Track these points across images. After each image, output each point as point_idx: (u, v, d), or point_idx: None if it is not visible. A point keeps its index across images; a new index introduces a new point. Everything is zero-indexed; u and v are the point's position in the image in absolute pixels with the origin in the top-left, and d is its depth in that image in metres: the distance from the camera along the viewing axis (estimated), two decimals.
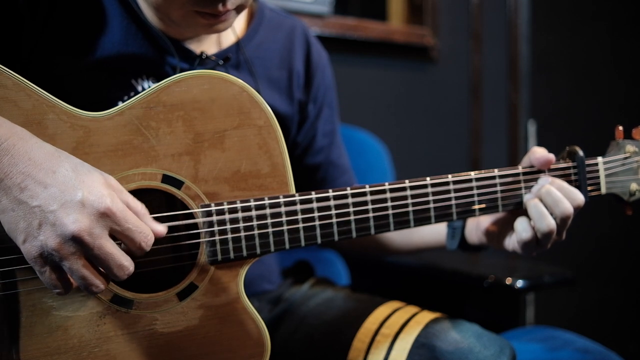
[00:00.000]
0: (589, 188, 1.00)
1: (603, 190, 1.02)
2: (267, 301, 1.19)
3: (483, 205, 0.95)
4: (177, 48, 1.01)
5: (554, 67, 2.73)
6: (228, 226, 0.83)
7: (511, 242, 1.00)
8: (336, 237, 0.88)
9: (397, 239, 1.23)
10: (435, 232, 1.17)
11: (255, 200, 0.84)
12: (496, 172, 0.96)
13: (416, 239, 1.21)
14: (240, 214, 0.84)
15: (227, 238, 0.83)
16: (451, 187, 0.93)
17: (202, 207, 0.83)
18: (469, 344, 0.91)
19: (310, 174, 1.23)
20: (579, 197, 0.95)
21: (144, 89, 0.96)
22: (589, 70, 2.84)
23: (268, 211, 0.85)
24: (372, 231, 0.90)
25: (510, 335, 1.37)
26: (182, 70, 0.99)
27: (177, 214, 0.82)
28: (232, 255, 0.84)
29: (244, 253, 0.84)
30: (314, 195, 0.87)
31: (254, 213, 0.84)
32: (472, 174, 0.95)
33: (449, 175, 0.93)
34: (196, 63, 1.03)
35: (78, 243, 0.69)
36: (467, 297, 1.57)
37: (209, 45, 1.06)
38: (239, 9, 0.93)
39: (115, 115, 0.80)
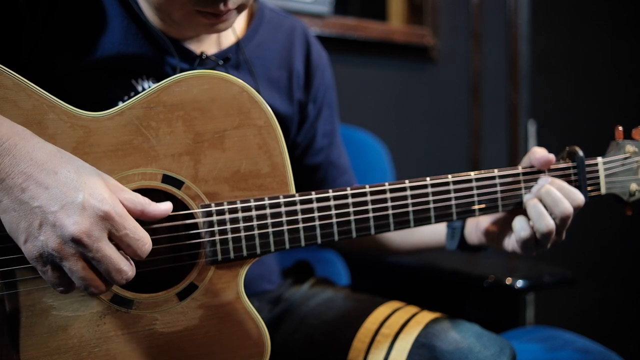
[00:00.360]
0: (589, 188, 1.00)
1: (603, 191, 1.02)
2: (267, 301, 1.19)
3: (483, 206, 0.95)
4: (177, 48, 1.01)
5: (554, 67, 2.73)
6: (228, 226, 0.83)
7: (510, 242, 1.00)
8: (336, 237, 0.88)
9: (397, 239, 1.23)
10: (435, 232, 1.17)
11: (255, 200, 0.84)
12: (496, 172, 0.96)
13: (416, 239, 1.21)
14: (240, 214, 0.84)
15: (227, 238, 0.83)
16: (451, 187, 0.93)
17: (202, 207, 0.83)
18: (469, 344, 0.91)
19: (310, 174, 1.23)
20: (579, 197, 0.95)
21: (144, 89, 0.96)
22: (589, 70, 2.84)
23: (268, 211, 0.85)
24: (372, 231, 0.90)
25: (510, 335, 1.37)
26: (182, 71, 0.99)
27: (177, 214, 0.82)
28: (232, 255, 0.84)
29: (244, 253, 0.84)
30: (314, 196, 0.87)
31: (254, 213, 0.84)
32: (472, 174, 0.95)
33: (449, 176, 0.93)
34: (196, 63, 1.03)
35: (77, 244, 0.69)
36: (467, 297, 1.57)
37: (209, 46, 1.06)
38: (240, 9, 0.93)
39: (115, 115, 0.80)
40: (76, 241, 0.68)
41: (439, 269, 1.55)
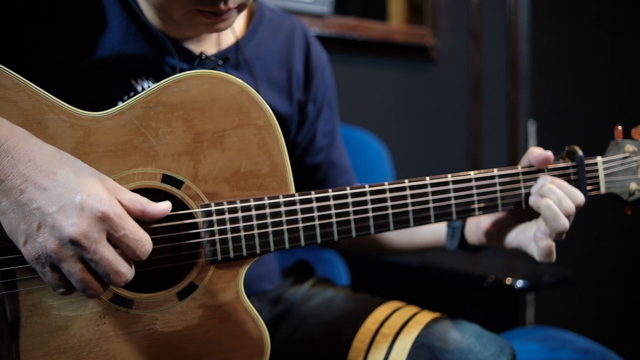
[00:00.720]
0: (589, 188, 1.00)
1: (602, 190, 1.02)
2: (267, 301, 1.19)
3: (482, 205, 0.95)
4: (176, 48, 1.01)
5: (554, 67, 2.73)
6: (228, 226, 0.83)
7: (509, 240, 1.00)
8: (336, 237, 0.88)
9: (396, 238, 1.23)
10: (435, 232, 1.16)
11: (255, 200, 0.84)
12: (496, 171, 0.96)
13: (416, 238, 1.21)
14: (240, 214, 0.84)
15: (226, 238, 0.83)
16: (451, 186, 0.93)
17: (202, 206, 0.83)
18: (469, 344, 0.91)
19: (310, 174, 1.23)
20: (579, 197, 0.95)
21: (143, 89, 0.96)
22: (589, 70, 2.84)
23: (268, 211, 0.85)
24: (372, 231, 0.90)
25: (510, 335, 1.37)
26: (181, 71, 1.00)
27: (177, 213, 0.82)
28: (232, 254, 0.84)
29: (244, 253, 0.84)
30: (313, 195, 0.87)
31: (253, 213, 0.84)
32: (472, 174, 0.95)
33: (449, 175, 0.93)
34: (196, 63, 1.03)
35: (76, 246, 0.69)
36: (467, 297, 1.57)
37: (208, 46, 1.06)
38: (240, 8, 0.93)
39: (115, 115, 0.80)
40: (74, 243, 0.68)
41: (439, 269, 1.55)
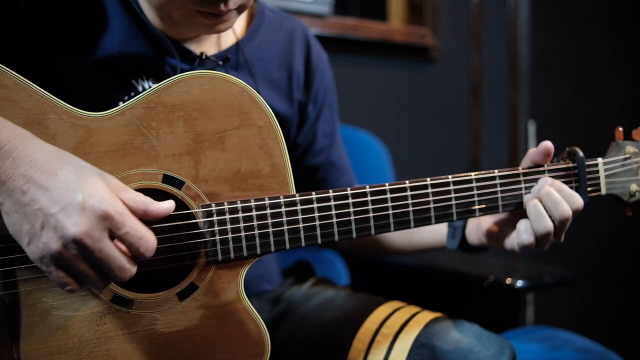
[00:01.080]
0: (589, 189, 1.00)
1: (603, 191, 1.02)
2: (267, 301, 1.19)
3: (483, 206, 0.96)
4: (177, 48, 1.01)
5: (554, 67, 2.73)
6: (228, 226, 0.83)
7: (510, 241, 1.01)
8: (336, 238, 0.88)
9: (397, 239, 1.23)
10: (435, 233, 1.17)
11: (256, 200, 0.84)
12: (496, 172, 0.96)
13: (416, 239, 1.21)
14: (240, 214, 0.84)
15: (227, 238, 0.83)
16: (451, 187, 0.93)
17: (203, 207, 0.83)
18: (469, 344, 0.91)
19: (311, 174, 1.23)
20: (578, 201, 0.95)
21: (144, 89, 0.96)
22: (589, 70, 2.84)
23: (268, 211, 0.85)
24: (373, 231, 0.90)
25: (510, 335, 1.37)
26: (182, 71, 0.99)
27: (178, 214, 0.82)
28: (232, 255, 0.84)
29: (245, 253, 0.84)
30: (314, 196, 0.87)
31: (254, 213, 0.84)
32: (472, 175, 0.95)
33: (449, 176, 0.93)
34: (196, 63, 1.03)
35: (79, 246, 0.69)
36: (467, 297, 1.57)
37: (209, 46, 1.06)
38: (240, 9, 0.93)
39: (116, 115, 0.80)
40: (77, 242, 0.68)
41: (439, 269, 1.55)
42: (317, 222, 0.87)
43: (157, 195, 0.81)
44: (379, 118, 2.25)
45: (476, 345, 0.91)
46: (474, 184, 0.95)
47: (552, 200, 0.94)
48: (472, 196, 0.95)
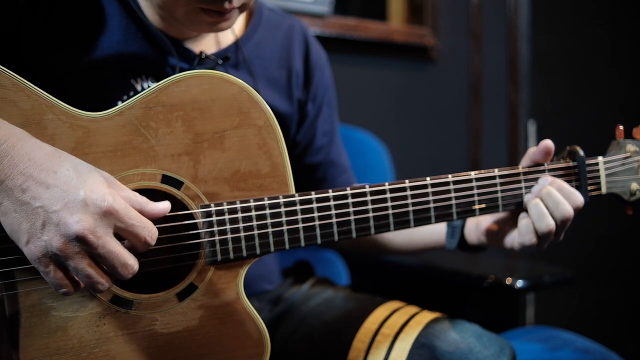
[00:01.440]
0: (590, 188, 1.00)
1: (603, 190, 1.02)
2: (267, 301, 1.19)
3: (483, 205, 0.95)
4: (176, 48, 1.01)
5: (554, 67, 2.73)
6: (228, 226, 0.83)
7: (510, 239, 1.00)
8: (336, 237, 0.88)
9: (396, 239, 1.23)
10: (435, 233, 1.16)
11: (255, 200, 0.84)
12: (496, 172, 0.96)
13: (416, 239, 1.21)
14: (239, 214, 0.84)
15: (226, 238, 0.83)
16: (451, 187, 0.93)
17: (202, 207, 0.83)
18: (469, 344, 0.91)
19: (310, 173, 1.23)
20: (579, 199, 0.95)
21: (143, 89, 0.96)
22: (589, 70, 2.84)
23: (268, 211, 0.85)
24: (372, 231, 0.90)
25: (510, 335, 1.37)
26: (181, 70, 0.99)
27: (177, 214, 0.82)
28: (231, 255, 0.84)
29: (244, 253, 0.84)
30: (313, 196, 0.86)
31: (253, 213, 0.84)
32: (472, 174, 0.94)
33: (449, 175, 0.93)
34: (195, 63, 1.03)
35: (82, 242, 0.69)
36: (467, 297, 1.56)
37: (208, 45, 1.06)
38: (242, 8, 0.93)
39: (115, 115, 0.80)
40: (80, 239, 0.68)
41: (439, 269, 1.55)
42: (317, 222, 0.87)
43: (156, 195, 0.81)
44: (379, 118, 2.24)
45: (476, 345, 0.91)
46: (474, 184, 0.94)
47: (553, 200, 0.94)
48: (472, 195, 0.94)
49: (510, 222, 1.01)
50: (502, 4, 2.55)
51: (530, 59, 2.59)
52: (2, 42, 0.91)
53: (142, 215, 0.75)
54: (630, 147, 1.03)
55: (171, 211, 0.79)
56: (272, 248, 0.85)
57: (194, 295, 0.83)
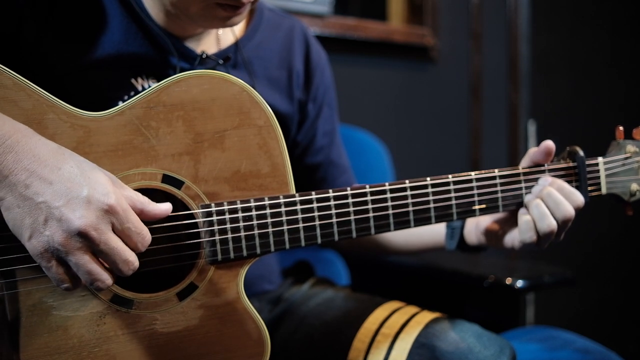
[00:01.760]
0: (590, 188, 1.00)
1: (603, 191, 1.02)
2: (267, 301, 1.19)
3: (483, 206, 0.95)
4: (177, 48, 1.01)
5: (554, 67, 2.73)
6: (228, 226, 0.83)
7: (510, 238, 1.01)
8: (336, 237, 0.88)
9: (396, 239, 1.23)
10: (435, 233, 1.17)
11: (256, 200, 0.84)
12: (496, 172, 0.96)
13: (416, 239, 1.21)
14: (240, 214, 0.84)
15: (227, 238, 0.83)
16: (451, 187, 0.93)
17: (202, 207, 0.83)
18: (469, 344, 0.91)
19: (310, 173, 1.23)
20: (579, 199, 0.95)
21: (144, 89, 0.96)
22: (589, 70, 2.84)
23: (268, 211, 0.85)
24: (373, 231, 0.90)
25: (510, 335, 1.37)
26: (182, 70, 0.99)
27: (177, 214, 0.82)
28: (232, 255, 0.84)
29: (244, 253, 0.84)
30: (314, 196, 0.86)
31: (254, 213, 0.84)
32: (473, 174, 0.94)
33: (449, 176, 0.93)
34: (196, 63, 1.03)
35: (84, 238, 0.69)
36: (467, 297, 1.57)
37: (209, 45, 1.06)
38: (253, 3, 0.94)
39: (116, 115, 0.80)
40: (82, 235, 0.69)
41: (439, 269, 1.55)
42: (317, 222, 0.87)
43: (157, 195, 0.81)
44: (379, 118, 2.24)
45: (476, 345, 0.91)
46: (474, 184, 0.94)
47: (553, 200, 0.94)
48: (472, 196, 0.94)
49: (510, 222, 1.01)
50: (502, 4, 2.55)
51: (530, 59, 2.59)
52: (3, 42, 0.91)
53: (143, 215, 0.75)
54: (630, 147, 1.03)
55: (172, 211, 0.79)
56: (272, 248, 0.85)
57: (195, 295, 0.83)
